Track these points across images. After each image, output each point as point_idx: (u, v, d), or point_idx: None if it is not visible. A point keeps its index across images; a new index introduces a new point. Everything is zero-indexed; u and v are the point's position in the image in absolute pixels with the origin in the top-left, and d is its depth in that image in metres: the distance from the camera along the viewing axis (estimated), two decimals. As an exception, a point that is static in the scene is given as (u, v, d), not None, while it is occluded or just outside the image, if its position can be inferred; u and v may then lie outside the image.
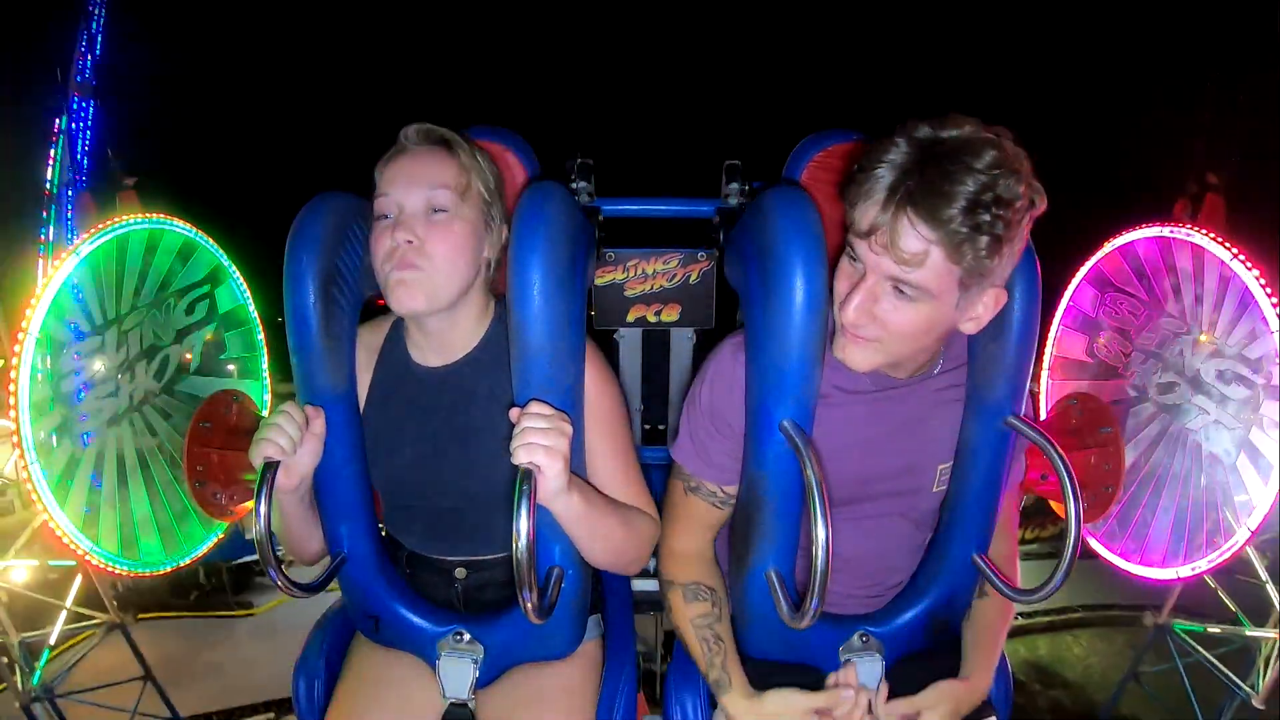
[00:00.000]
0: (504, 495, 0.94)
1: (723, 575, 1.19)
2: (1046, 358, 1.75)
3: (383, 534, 1.24)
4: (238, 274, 1.59)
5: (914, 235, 0.88)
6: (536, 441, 0.94)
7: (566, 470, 0.97)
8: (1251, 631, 2.80)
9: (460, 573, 1.19)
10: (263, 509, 0.98)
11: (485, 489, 1.12)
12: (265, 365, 1.65)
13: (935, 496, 1.14)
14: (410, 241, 1.04)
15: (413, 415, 1.16)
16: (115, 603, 3.19)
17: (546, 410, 0.98)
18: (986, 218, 0.86)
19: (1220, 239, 1.38)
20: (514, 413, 0.98)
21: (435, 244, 1.05)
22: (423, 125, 1.12)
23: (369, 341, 1.19)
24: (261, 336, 1.65)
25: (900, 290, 0.93)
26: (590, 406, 1.08)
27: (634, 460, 1.16)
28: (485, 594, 1.20)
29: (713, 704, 1.20)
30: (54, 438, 1.26)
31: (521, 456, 0.94)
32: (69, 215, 4.71)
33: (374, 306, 1.19)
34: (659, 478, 1.42)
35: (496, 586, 1.19)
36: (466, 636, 1.17)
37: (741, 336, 1.09)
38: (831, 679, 1.11)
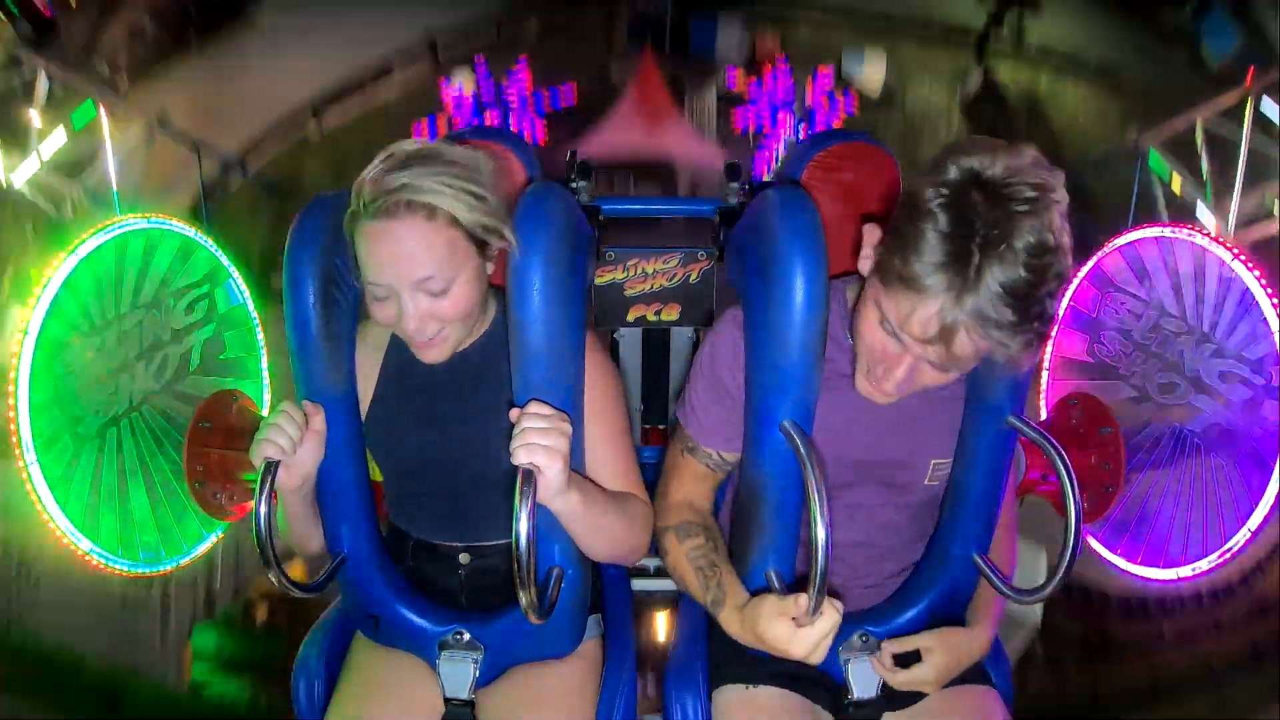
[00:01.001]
0: (509, 476, 0.94)
1: (720, 528, 1.19)
2: (1046, 358, 1.76)
3: (386, 528, 1.25)
4: (236, 274, 1.59)
5: (970, 345, 0.88)
6: (536, 442, 0.94)
7: (566, 469, 0.97)
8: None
9: (464, 558, 1.20)
10: (262, 509, 0.98)
11: (492, 469, 1.12)
12: (265, 365, 1.65)
13: (928, 490, 1.15)
14: (422, 326, 1.03)
15: (420, 400, 1.17)
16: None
17: (546, 410, 0.98)
18: (1040, 327, 0.87)
19: (1220, 239, 1.38)
20: (514, 413, 0.98)
21: (444, 312, 1.04)
22: (381, 181, 0.97)
23: (376, 338, 1.20)
24: (261, 336, 1.66)
25: (945, 369, 0.95)
26: (589, 393, 1.09)
27: (630, 447, 1.17)
28: (488, 579, 1.20)
29: (716, 696, 1.20)
30: (54, 438, 1.25)
31: (521, 457, 0.94)
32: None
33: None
34: (658, 477, 1.42)
35: (499, 573, 1.19)
36: (467, 636, 1.17)
37: (741, 309, 1.11)
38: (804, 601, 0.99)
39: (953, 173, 0.86)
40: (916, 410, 1.10)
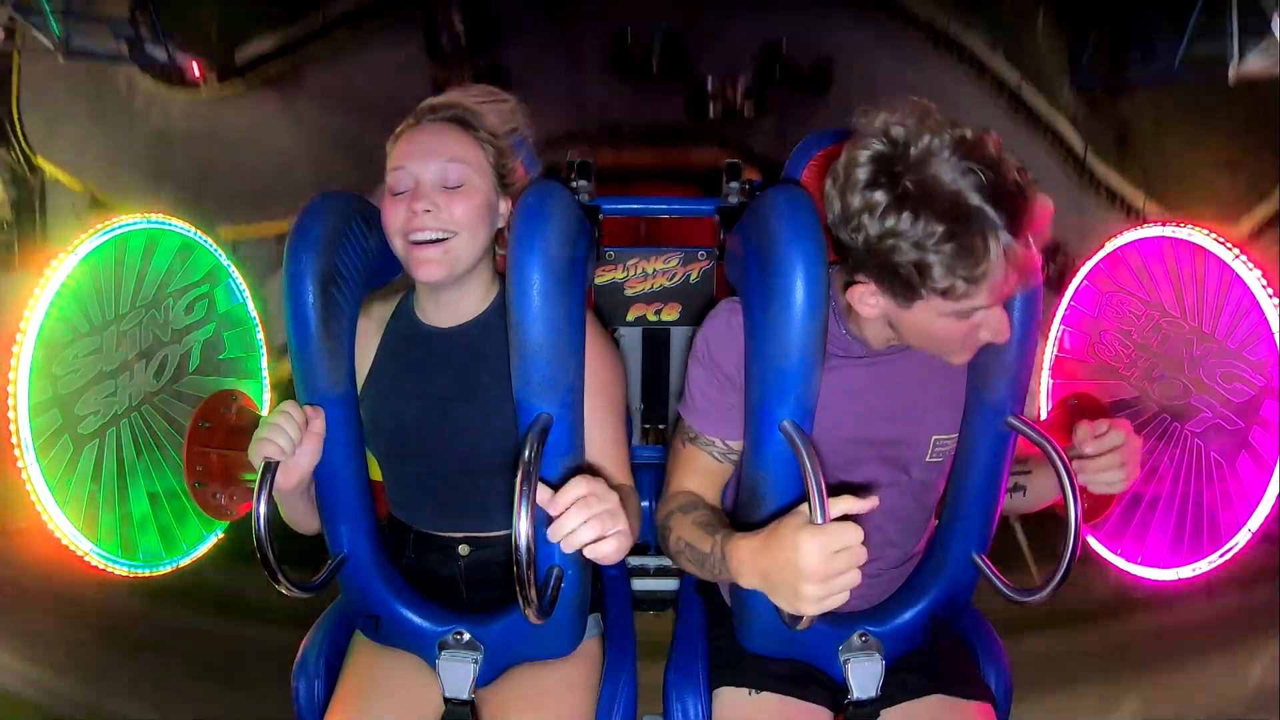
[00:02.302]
0: (509, 456, 0.94)
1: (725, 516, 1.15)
2: (1046, 358, 1.75)
3: (386, 523, 1.25)
4: (236, 273, 1.59)
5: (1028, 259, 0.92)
6: (614, 529, 0.90)
7: (628, 535, 0.93)
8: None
9: (464, 549, 1.20)
10: (262, 509, 0.98)
11: (491, 447, 1.12)
12: (265, 365, 1.65)
13: (930, 468, 1.15)
14: (429, 210, 1.07)
15: (419, 373, 1.18)
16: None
17: (599, 489, 0.91)
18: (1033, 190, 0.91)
19: (1221, 239, 1.38)
20: (543, 496, 0.91)
21: (454, 209, 1.08)
22: (436, 99, 1.15)
23: (378, 313, 1.22)
24: (261, 336, 1.65)
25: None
26: (590, 375, 1.09)
27: (624, 433, 1.18)
28: (488, 571, 1.20)
29: (716, 696, 1.20)
30: (54, 438, 1.25)
31: (586, 536, 0.88)
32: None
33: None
34: (659, 477, 1.42)
35: (498, 565, 1.20)
36: (466, 636, 1.17)
37: (738, 301, 1.12)
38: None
39: (867, 196, 0.91)
40: (909, 385, 1.10)
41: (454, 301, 1.17)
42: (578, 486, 0.89)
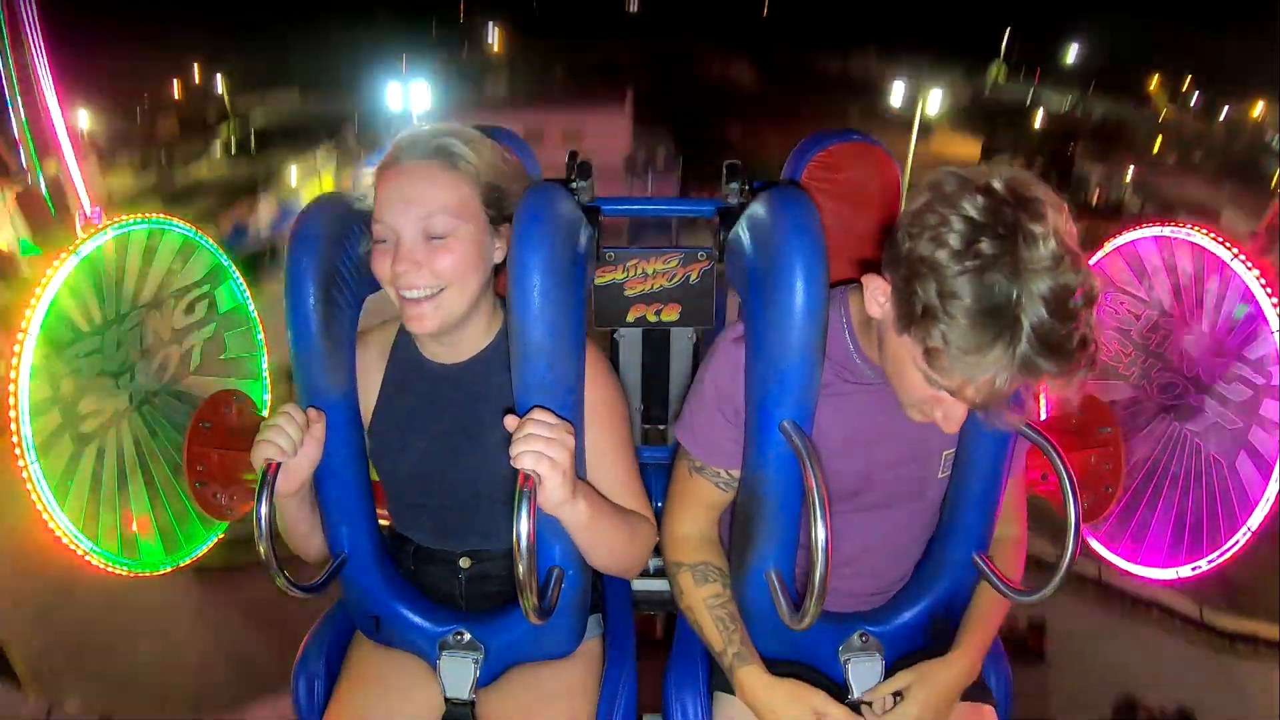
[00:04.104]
0: (511, 489, 0.94)
1: (727, 559, 1.19)
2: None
3: (387, 532, 1.25)
4: (238, 273, 1.59)
5: (1020, 387, 0.89)
6: (541, 451, 0.94)
7: (568, 481, 0.96)
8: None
9: (465, 563, 1.20)
10: (263, 510, 0.98)
11: (494, 487, 1.12)
12: (265, 365, 1.65)
13: (941, 484, 1.15)
14: (408, 270, 1.03)
15: (423, 412, 1.16)
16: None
17: (551, 419, 0.97)
18: (1084, 354, 0.86)
19: (1221, 239, 1.38)
20: (510, 420, 0.97)
21: (439, 264, 1.04)
22: (417, 134, 1.06)
23: (380, 339, 1.20)
24: (261, 336, 1.65)
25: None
26: (592, 407, 1.08)
27: (634, 462, 1.16)
28: (488, 585, 1.20)
29: (717, 696, 1.20)
30: (54, 438, 1.25)
31: (526, 462, 0.93)
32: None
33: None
34: (659, 477, 1.42)
35: (499, 579, 1.19)
36: (467, 636, 1.17)
37: (741, 328, 1.10)
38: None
39: (957, 224, 0.84)
40: None
41: (455, 342, 1.15)
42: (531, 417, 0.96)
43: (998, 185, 0.85)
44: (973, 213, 0.84)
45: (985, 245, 0.83)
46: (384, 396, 1.19)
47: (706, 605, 1.14)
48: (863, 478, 1.11)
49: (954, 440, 1.12)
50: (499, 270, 1.13)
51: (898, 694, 1.12)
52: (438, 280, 1.04)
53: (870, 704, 1.14)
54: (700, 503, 1.18)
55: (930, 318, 0.86)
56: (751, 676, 1.10)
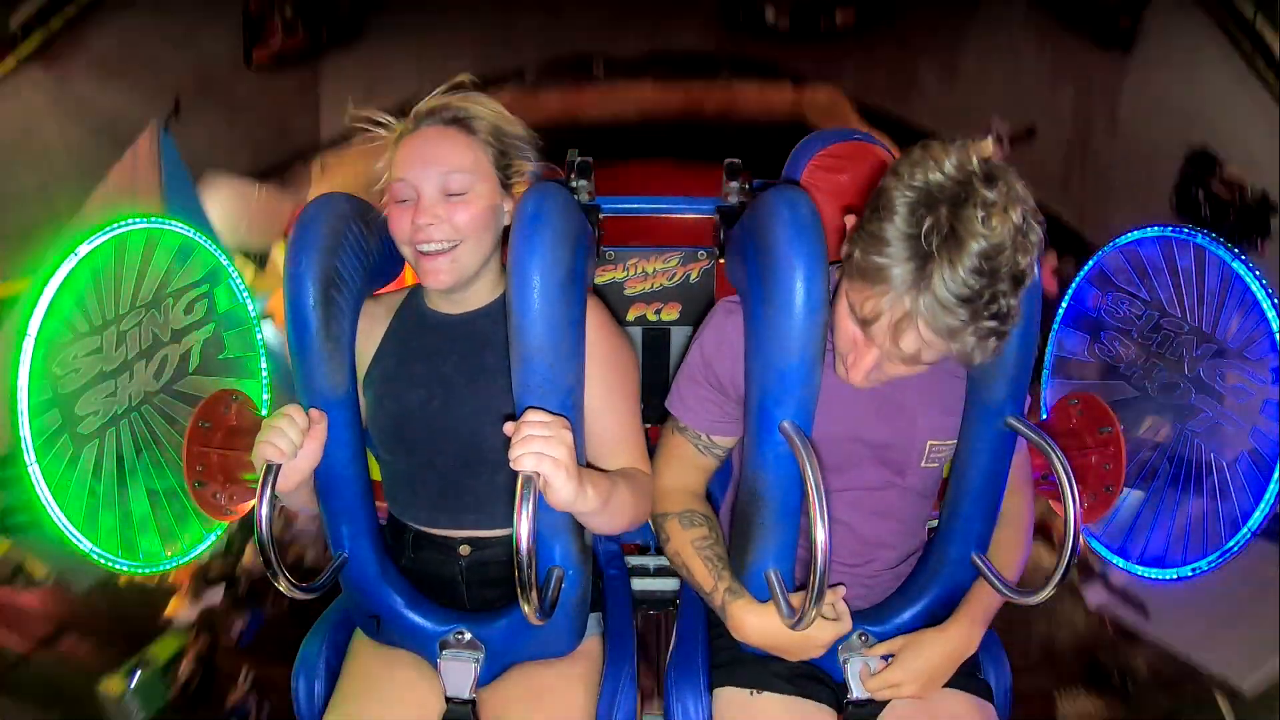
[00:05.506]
0: (506, 456, 0.94)
1: (717, 516, 1.21)
2: (1047, 358, 1.76)
3: (386, 524, 1.25)
4: (236, 273, 1.59)
5: (922, 341, 0.91)
6: (542, 451, 0.94)
7: (573, 476, 0.96)
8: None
9: (464, 550, 1.20)
10: (264, 511, 0.98)
11: (493, 434, 1.11)
12: (264, 365, 1.65)
13: (926, 473, 1.15)
14: (432, 223, 1.08)
15: (425, 357, 1.18)
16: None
17: (546, 418, 0.97)
18: (996, 325, 0.89)
19: (1221, 239, 1.38)
20: (509, 427, 0.97)
21: (457, 218, 1.09)
22: (435, 101, 1.14)
23: (389, 301, 1.24)
24: (261, 336, 1.66)
25: (909, 362, 0.97)
26: (592, 359, 1.09)
27: (635, 414, 1.18)
28: (488, 572, 1.20)
29: (717, 695, 1.20)
30: (54, 438, 1.25)
31: (527, 464, 0.93)
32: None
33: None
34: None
35: (499, 565, 1.20)
36: (468, 635, 1.17)
37: (736, 300, 1.13)
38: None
39: (919, 174, 0.88)
40: (904, 390, 1.10)
41: (464, 297, 1.19)
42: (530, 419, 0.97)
43: (978, 158, 0.89)
44: (948, 167, 0.88)
45: (938, 190, 0.87)
46: (385, 345, 1.21)
47: (694, 546, 1.14)
48: (844, 447, 1.12)
49: (944, 431, 1.13)
50: (506, 236, 1.15)
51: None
52: (456, 234, 1.10)
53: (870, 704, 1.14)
54: (683, 460, 1.21)
55: (866, 231, 0.91)
56: (745, 610, 1.09)
